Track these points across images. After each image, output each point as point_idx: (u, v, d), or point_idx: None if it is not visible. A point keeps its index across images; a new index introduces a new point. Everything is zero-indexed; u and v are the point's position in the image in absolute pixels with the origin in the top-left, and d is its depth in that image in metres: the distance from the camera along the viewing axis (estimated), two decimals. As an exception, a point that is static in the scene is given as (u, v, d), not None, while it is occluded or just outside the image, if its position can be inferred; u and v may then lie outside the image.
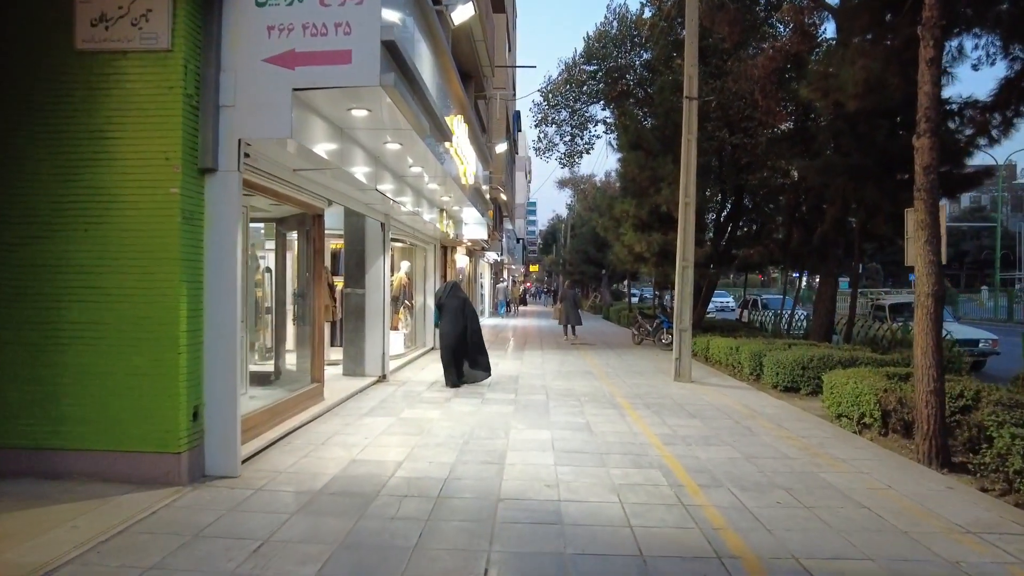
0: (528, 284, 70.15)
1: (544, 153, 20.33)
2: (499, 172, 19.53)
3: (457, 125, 8.90)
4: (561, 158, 20.48)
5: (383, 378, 9.82)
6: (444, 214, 12.42)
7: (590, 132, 20.25)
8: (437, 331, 10.71)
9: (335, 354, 10.47)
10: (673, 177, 13.59)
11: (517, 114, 28.06)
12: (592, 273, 37.00)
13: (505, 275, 42.99)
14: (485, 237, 14.32)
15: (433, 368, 11.45)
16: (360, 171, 6.89)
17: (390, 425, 6.92)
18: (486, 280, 30.29)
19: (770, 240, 15.13)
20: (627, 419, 7.45)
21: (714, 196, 14.78)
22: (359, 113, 5.63)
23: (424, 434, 6.50)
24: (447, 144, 8.51)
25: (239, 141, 4.93)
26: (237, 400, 5.02)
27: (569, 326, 18.00)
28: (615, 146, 15.20)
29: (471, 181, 10.50)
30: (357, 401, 8.24)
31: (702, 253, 14.06)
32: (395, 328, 13.19)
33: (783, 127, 13.97)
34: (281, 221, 8.22)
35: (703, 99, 11.58)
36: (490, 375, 9.87)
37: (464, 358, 9.61)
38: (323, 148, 5.71)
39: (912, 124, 6.44)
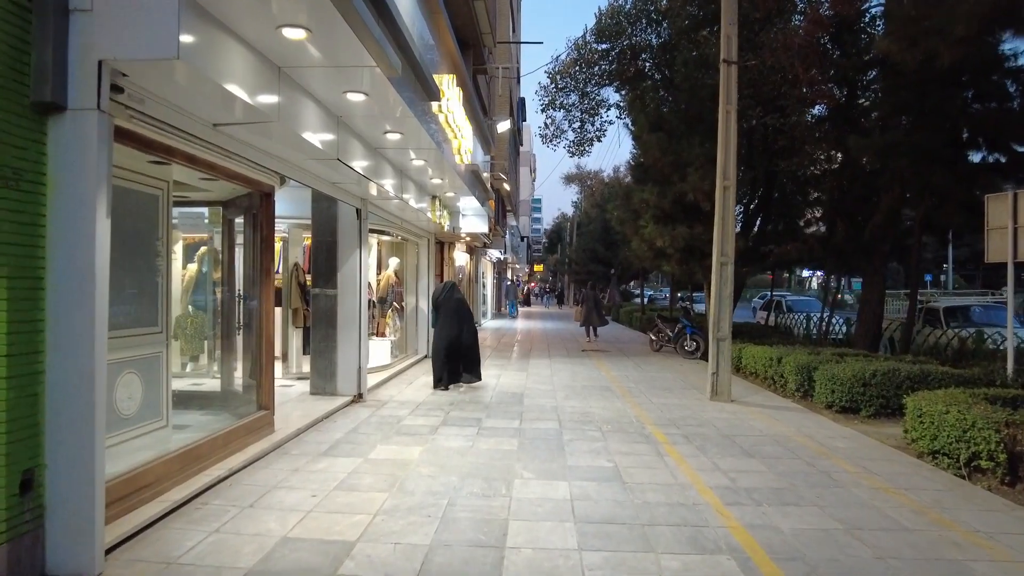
0: (532, 284, 68.43)
1: (551, 140, 18.58)
2: (501, 158, 17.77)
3: (448, 88, 7.18)
4: (570, 146, 18.73)
5: (358, 397, 8.09)
6: (438, 203, 10.70)
7: (601, 118, 18.50)
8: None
9: (308, 365, 8.75)
10: (700, 162, 11.87)
11: (522, 102, 26.30)
12: (600, 273, 35.22)
13: (509, 275, 41.26)
14: (485, 231, 12.62)
15: (423, 382, 9.72)
16: (316, 135, 5.16)
17: (353, 471, 5.19)
18: (488, 280, 28.55)
19: (808, 235, 13.35)
20: (667, 460, 5.69)
21: (743, 186, 12.99)
22: (295, 34, 3.90)
23: (396, 488, 4.76)
24: (435, 108, 6.79)
25: (100, 64, 3.22)
26: (99, 457, 3.31)
27: (590, 327, 17.55)
28: (631, 129, 13.48)
29: (468, 161, 8.78)
30: (319, 432, 6.50)
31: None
32: (381, 334, 11.49)
33: (825, 105, 12.20)
34: (227, 204, 6.51)
35: (744, 62, 9.81)
36: (480, 380, 9.58)
37: (459, 361, 9.32)
38: (250, 90, 3.98)
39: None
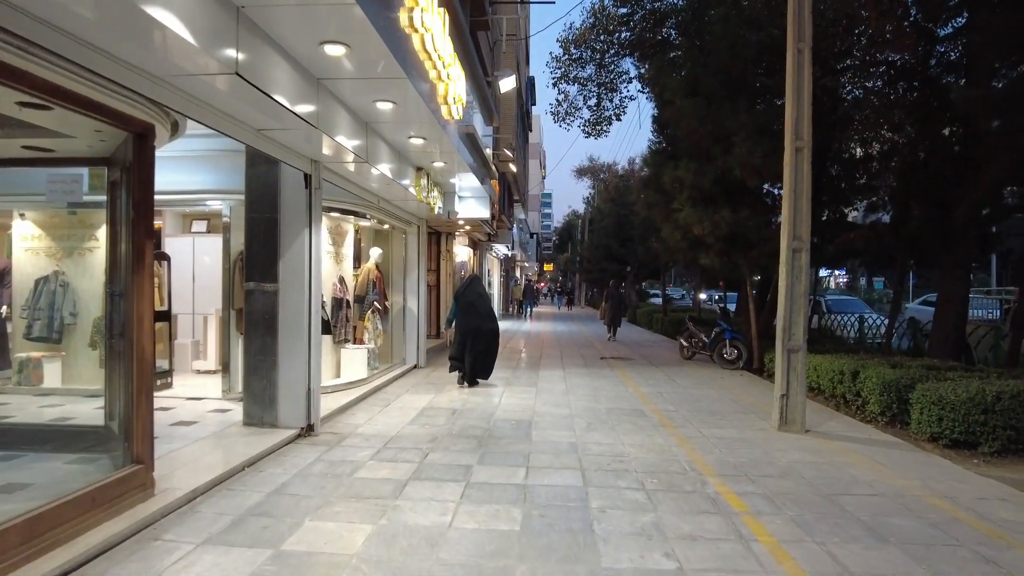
0: (542, 284, 66.23)
1: (564, 119, 16.48)
2: (507, 131, 15.63)
3: None
4: (585, 125, 16.61)
5: (307, 431, 6.00)
6: (425, 178, 8.59)
7: (620, 93, 16.37)
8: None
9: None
10: (747, 131, 9.70)
11: (531, 83, 24.16)
12: (614, 271, 32.97)
13: (518, 273, 39.14)
14: (487, 217, 10.52)
15: (405, 403, 7.62)
16: (188, 26, 3.07)
17: (242, 585, 3.09)
18: (495, 278, 26.42)
19: (872, 222, 11.12)
20: (756, 551, 3.55)
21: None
22: None
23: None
24: (404, 21, 4.67)
25: None
26: None
27: (613, 326, 17.65)
28: (656, 100, 11.26)
29: (459, 116, 6.66)
30: (229, 492, 4.41)
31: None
32: (359, 341, 9.40)
33: (902, 58, 9.99)
34: (113, 162, 4.45)
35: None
36: (487, 377, 9.32)
37: (473, 356, 9.00)
38: None
39: None
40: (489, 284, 24.67)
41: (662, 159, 11.75)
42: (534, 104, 28.57)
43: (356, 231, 10.15)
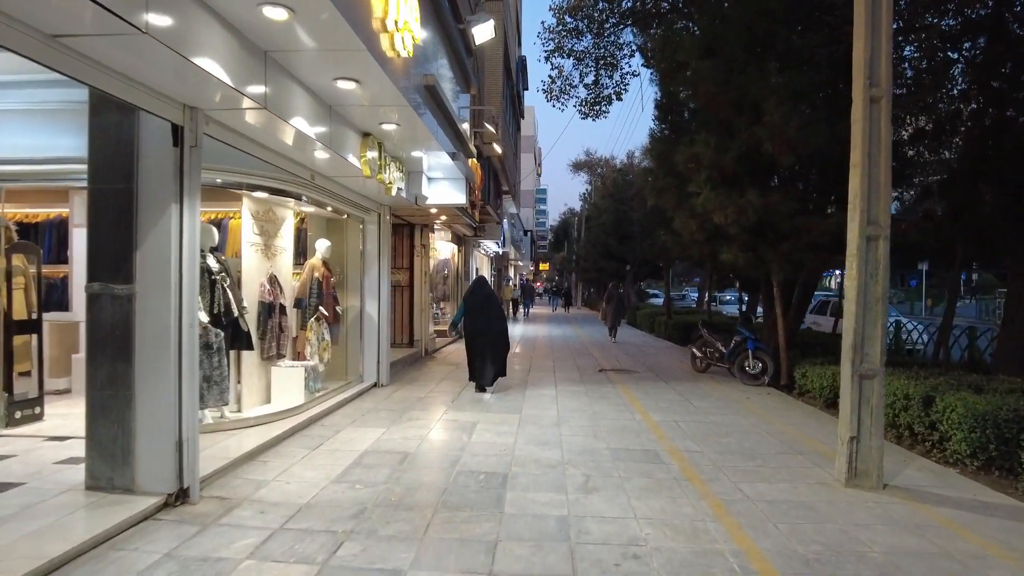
0: (538, 284, 64.34)
1: (559, 97, 14.60)
2: (492, 102, 13.75)
3: None
4: (581, 105, 14.76)
5: (180, 497, 4.13)
6: (379, 151, 6.73)
7: (621, 69, 14.53)
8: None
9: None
10: (781, 96, 7.90)
11: (522, 64, 22.22)
12: (613, 269, 31.14)
13: (511, 272, 37.27)
14: (463, 203, 8.65)
15: (344, 442, 5.75)
16: None
17: None
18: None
19: (927, 209, 9.31)
20: None
21: (831, 140, 8.95)
22: None
23: None
24: None
25: None
26: None
27: (614, 328, 17.37)
28: (672, 58, 9.37)
29: (407, 53, 4.81)
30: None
31: (825, 227, 8.30)
32: (299, 356, 7.56)
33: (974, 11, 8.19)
34: None
35: None
36: (503, 375, 8.95)
37: (484, 361, 8.64)
38: None
39: None
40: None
41: (672, 137, 9.89)
42: (526, 88, 26.72)
43: (301, 219, 8.30)
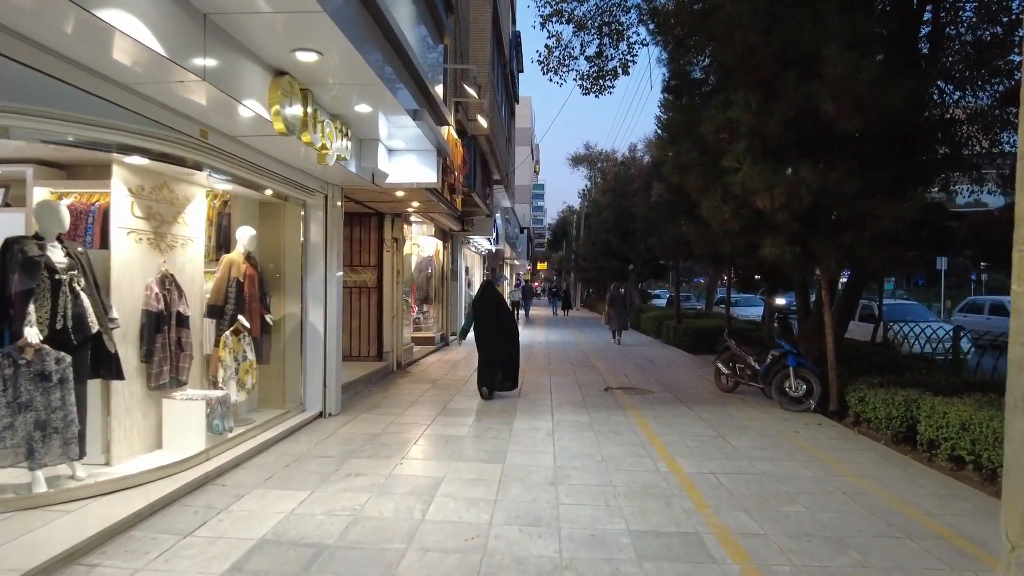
0: (536, 284, 62.40)
1: (556, 69, 12.70)
2: (479, 59, 11.80)
3: None
4: (583, 80, 12.90)
5: None
6: (308, 102, 4.83)
7: (629, 39, 12.64)
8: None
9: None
10: (844, 42, 6.04)
11: (516, 40, 20.25)
12: (614, 269, 29.24)
13: (507, 272, 35.38)
14: (432, 182, 6.74)
15: (239, 522, 3.79)
16: None
17: None
18: (476, 278, 22.61)
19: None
20: None
21: (910, 101, 6.94)
22: None
23: None
24: None
25: None
26: None
27: (617, 331, 17.03)
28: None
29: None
30: None
31: (899, 213, 6.43)
32: (212, 378, 5.69)
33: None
34: None
35: None
36: (516, 386, 8.54)
37: (495, 368, 8.31)
38: None
39: None
40: (469, 284, 20.88)
41: (696, 103, 7.99)
42: (521, 70, 24.78)
43: (223, 202, 6.40)
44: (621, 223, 28.81)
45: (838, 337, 8.29)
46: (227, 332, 5.77)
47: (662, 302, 35.24)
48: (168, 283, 5.19)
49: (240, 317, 5.88)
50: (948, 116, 8.23)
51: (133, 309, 4.87)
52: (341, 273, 7.03)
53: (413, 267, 14.55)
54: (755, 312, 21.51)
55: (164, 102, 4.12)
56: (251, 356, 6.02)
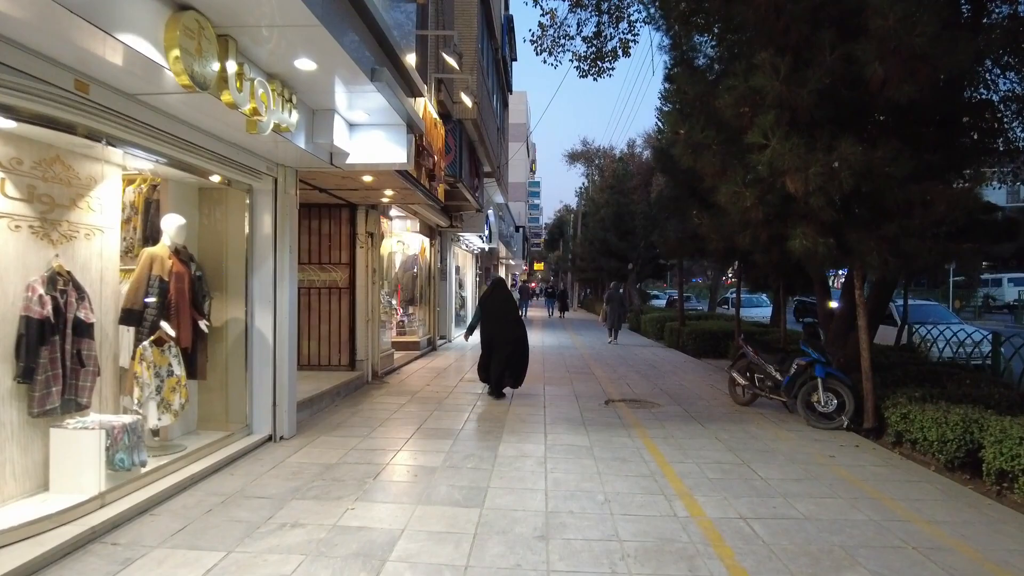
0: (533, 284, 61.30)
1: (550, 51, 11.67)
2: (467, 38, 10.70)
3: None
4: (579, 62, 11.86)
5: None
6: (226, 50, 3.77)
7: (630, 17, 11.60)
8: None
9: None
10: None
11: (509, 23, 19.17)
12: (613, 268, 28.21)
13: (503, 272, 34.32)
14: (402, 162, 5.70)
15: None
16: None
17: None
18: (468, 278, 21.56)
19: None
20: None
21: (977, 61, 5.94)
22: None
23: None
24: None
25: None
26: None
27: (613, 329, 17.09)
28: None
29: None
30: None
31: (956, 199, 5.39)
32: (127, 394, 4.64)
33: None
34: None
35: None
36: (518, 386, 8.40)
37: (504, 366, 8.16)
38: None
39: None
40: (460, 284, 19.82)
41: (709, 70, 6.94)
42: (514, 59, 23.69)
43: (152, 186, 5.34)
44: (620, 221, 27.81)
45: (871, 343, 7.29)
46: (145, 342, 4.71)
47: (661, 303, 34.21)
48: (62, 283, 4.13)
49: (163, 324, 4.82)
50: (986, 97, 7.23)
51: (5, 315, 3.82)
52: (295, 271, 5.97)
53: (398, 266, 13.51)
54: (761, 313, 20.48)
55: (23, 42, 3.06)
56: (179, 371, 4.96)
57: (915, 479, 5.13)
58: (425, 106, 7.01)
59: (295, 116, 4.73)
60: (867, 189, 5.56)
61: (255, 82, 4.11)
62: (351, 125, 5.78)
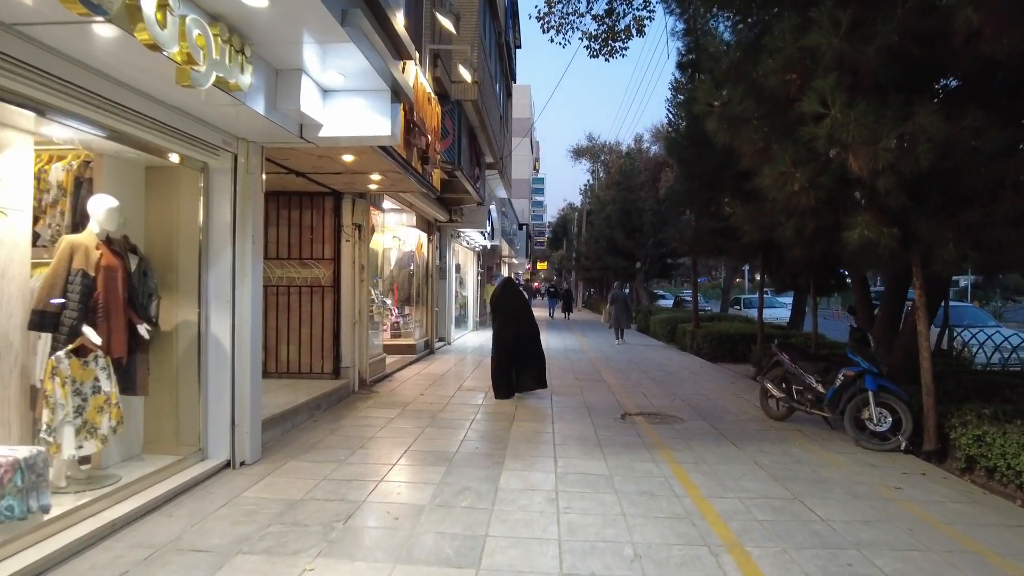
0: (536, 284, 60.36)
1: (558, 29, 10.73)
2: (467, 10, 9.67)
3: None
4: (590, 41, 10.92)
5: None
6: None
7: (644, -8, 10.67)
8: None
9: None
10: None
11: (513, 6, 18.21)
12: (619, 267, 27.25)
13: (505, 271, 33.40)
14: (387, 134, 4.84)
15: None
16: None
17: None
18: (469, 277, 20.62)
19: None
20: None
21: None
22: None
23: None
24: None
25: None
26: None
27: (619, 330, 16.62)
28: None
29: None
30: None
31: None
32: (41, 412, 3.65)
33: None
34: None
35: None
36: (545, 387, 8.23)
37: (515, 365, 8.01)
38: None
39: None
40: (461, 283, 18.90)
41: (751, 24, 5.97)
42: (518, 46, 22.70)
43: (84, 163, 4.43)
44: (627, 218, 26.89)
45: (908, 346, 6.36)
46: (61, 352, 3.79)
47: (668, 303, 33.23)
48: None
49: (86, 329, 3.91)
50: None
51: None
52: (260, 265, 5.04)
53: (393, 263, 12.60)
54: (776, 315, 19.51)
55: None
56: (108, 387, 4.04)
57: (1011, 522, 4.19)
58: (417, 76, 6.08)
59: (249, 73, 3.80)
60: (944, 168, 4.60)
61: (187, 20, 3.19)
62: (325, 91, 4.85)
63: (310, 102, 4.57)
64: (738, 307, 25.57)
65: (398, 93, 4.91)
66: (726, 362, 12.84)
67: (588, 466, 5.16)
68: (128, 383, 4.33)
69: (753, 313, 22.30)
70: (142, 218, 4.87)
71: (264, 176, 5.16)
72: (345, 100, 4.86)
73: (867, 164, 4.44)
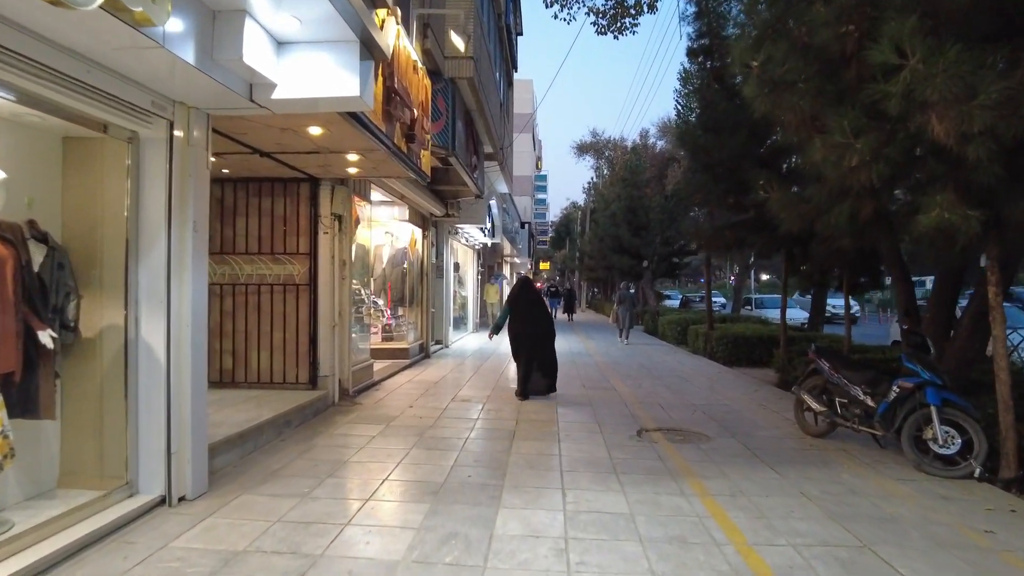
0: (539, 284, 59.41)
1: (564, 3, 9.85)
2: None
3: None
4: (597, 17, 10.00)
5: None
6: None
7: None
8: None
9: None
10: None
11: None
12: (625, 267, 26.29)
13: (507, 271, 32.50)
14: (355, 94, 3.99)
15: None
16: None
17: None
18: (469, 276, 19.71)
19: None
20: None
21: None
22: None
23: None
24: None
25: None
26: None
27: (624, 330, 16.54)
28: None
29: None
30: None
31: None
32: None
33: None
34: None
35: None
36: (555, 391, 8.18)
37: (533, 364, 8.01)
38: None
39: None
40: (460, 282, 18.00)
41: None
42: (520, 33, 21.80)
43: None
44: (633, 216, 25.97)
45: (967, 346, 5.45)
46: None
47: (674, 303, 32.31)
48: None
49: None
50: None
51: None
52: (204, 258, 4.14)
53: (386, 261, 11.72)
54: (792, 315, 18.54)
55: None
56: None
57: None
58: (400, 35, 5.18)
59: (166, 2, 2.91)
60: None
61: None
62: (280, 43, 3.95)
63: (258, 53, 3.67)
64: (749, 307, 24.63)
65: (370, 47, 4.01)
66: (743, 366, 11.93)
67: (604, 502, 4.25)
68: (27, 404, 3.45)
69: (767, 313, 21.38)
70: (59, 200, 3.98)
71: (211, 153, 4.27)
72: (305, 53, 3.96)
73: (955, 127, 3.53)
